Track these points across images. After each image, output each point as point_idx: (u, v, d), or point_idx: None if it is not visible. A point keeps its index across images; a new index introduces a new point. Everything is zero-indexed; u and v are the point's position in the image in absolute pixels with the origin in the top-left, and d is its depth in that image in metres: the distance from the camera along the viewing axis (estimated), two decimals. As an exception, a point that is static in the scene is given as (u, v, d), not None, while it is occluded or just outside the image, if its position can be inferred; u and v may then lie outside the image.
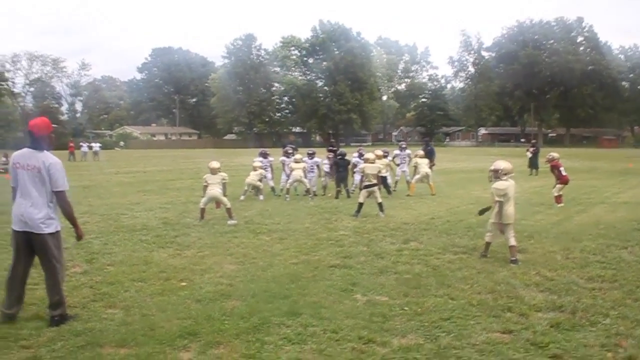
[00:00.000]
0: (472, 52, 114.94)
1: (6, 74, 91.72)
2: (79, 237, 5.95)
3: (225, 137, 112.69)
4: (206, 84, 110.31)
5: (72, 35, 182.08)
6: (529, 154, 28.53)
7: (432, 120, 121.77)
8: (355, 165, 17.42)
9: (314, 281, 7.10)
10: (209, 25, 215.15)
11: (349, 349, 4.84)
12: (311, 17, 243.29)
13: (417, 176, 17.87)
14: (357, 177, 17.01)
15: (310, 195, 16.39)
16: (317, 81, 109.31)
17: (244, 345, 4.92)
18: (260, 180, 16.37)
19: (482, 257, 8.42)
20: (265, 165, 17.50)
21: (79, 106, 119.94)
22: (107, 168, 34.51)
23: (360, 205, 12.84)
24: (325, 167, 18.16)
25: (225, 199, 12.01)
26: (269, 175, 17.83)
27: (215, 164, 12.19)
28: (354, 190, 17.08)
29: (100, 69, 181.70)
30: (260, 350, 4.81)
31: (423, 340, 5.06)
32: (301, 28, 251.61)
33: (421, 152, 18.62)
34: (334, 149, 20.99)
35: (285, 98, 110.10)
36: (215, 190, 11.93)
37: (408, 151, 19.59)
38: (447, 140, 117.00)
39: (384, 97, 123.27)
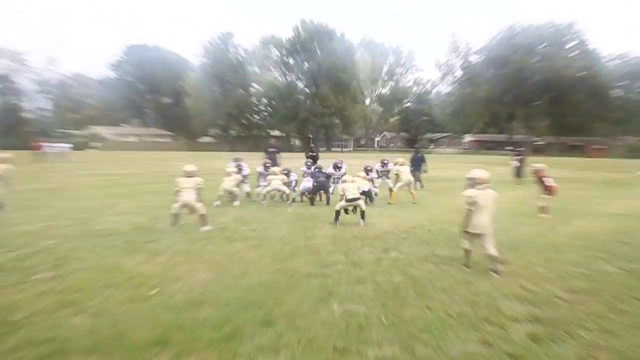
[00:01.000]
0: (460, 55, 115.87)
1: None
2: None
3: (201, 140, 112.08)
4: (181, 84, 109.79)
5: (39, 29, 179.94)
6: (514, 163, 28.84)
7: (416, 126, 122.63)
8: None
9: (290, 290, 7.17)
10: (186, 22, 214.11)
11: (324, 359, 4.93)
12: (293, 17, 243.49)
13: (400, 184, 17.99)
14: (333, 185, 17.16)
15: (289, 202, 16.45)
16: (298, 82, 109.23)
17: (216, 354, 5.00)
18: (237, 186, 16.42)
19: (464, 267, 8.53)
20: (242, 175, 17.49)
21: (47, 104, 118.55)
22: (77, 170, 34.19)
23: (338, 213, 12.95)
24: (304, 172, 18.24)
25: (199, 205, 11.77)
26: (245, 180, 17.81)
27: (191, 167, 12.00)
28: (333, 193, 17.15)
29: (70, 66, 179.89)
30: (233, 360, 4.89)
31: (400, 351, 5.17)
32: (282, 27, 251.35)
33: (401, 160, 18.74)
34: (314, 154, 21.07)
35: (264, 100, 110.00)
36: (188, 196, 11.68)
37: (390, 166, 19.54)
38: (432, 146, 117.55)
39: (367, 101, 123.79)
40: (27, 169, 31.94)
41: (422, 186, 23.03)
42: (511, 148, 45.84)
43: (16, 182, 14.83)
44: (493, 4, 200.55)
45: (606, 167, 52.74)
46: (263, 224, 12.78)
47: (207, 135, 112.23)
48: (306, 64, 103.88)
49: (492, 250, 8.28)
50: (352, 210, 13.42)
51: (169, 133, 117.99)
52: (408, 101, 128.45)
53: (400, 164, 18.37)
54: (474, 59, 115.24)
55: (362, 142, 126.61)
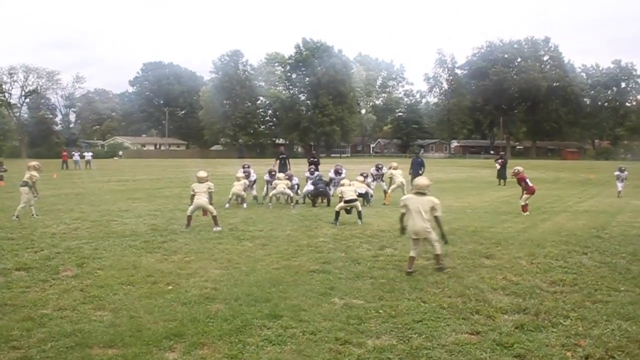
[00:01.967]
0: (446, 69, 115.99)
1: (3, 86, 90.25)
2: None
3: (212, 148, 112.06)
4: (195, 98, 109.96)
5: (68, 49, 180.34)
6: (498, 166, 28.83)
7: (407, 133, 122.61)
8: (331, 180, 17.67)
9: (294, 285, 7.09)
10: (198, 41, 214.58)
11: (326, 349, 4.84)
12: (295, 35, 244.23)
13: (393, 186, 17.97)
14: (334, 188, 17.09)
15: (292, 204, 16.38)
16: (300, 95, 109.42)
17: (226, 346, 4.90)
18: (244, 190, 16.37)
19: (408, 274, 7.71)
20: (249, 180, 17.44)
21: (73, 117, 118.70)
22: (99, 176, 34.14)
23: (337, 213, 12.87)
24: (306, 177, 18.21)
25: (211, 207, 11.85)
26: (253, 185, 17.78)
27: (202, 173, 12.03)
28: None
29: (94, 82, 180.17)
30: (242, 351, 4.80)
31: (396, 341, 5.08)
32: (285, 45, 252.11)
33: (395, 164, 18.73)
34: (315, 160, 20.99)
35: (270, 111, 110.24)
36: (202, 199, 11.77)
37: (384, 170, 19.52)
38: (422, 151, 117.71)
39: (363, 111, 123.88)
40: (55, 176, 31.91)
41: None
42: (495, 152, 45.87)
43: (39, 188, 14.72)
44: (476, 22, 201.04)
45: (579, 168, 52.75)
46: (269, 225, 12.71)
47: (217, 144, 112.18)
48: (307, 78, 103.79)
49: (437, 249, 7.93)
50: (350, 211, 13.33)
51: (183, 142, 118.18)
52: (400, 111, 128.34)
53: (394, 168, 18.34)
54: (458, 72, 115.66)
55: (359, 148, 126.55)
